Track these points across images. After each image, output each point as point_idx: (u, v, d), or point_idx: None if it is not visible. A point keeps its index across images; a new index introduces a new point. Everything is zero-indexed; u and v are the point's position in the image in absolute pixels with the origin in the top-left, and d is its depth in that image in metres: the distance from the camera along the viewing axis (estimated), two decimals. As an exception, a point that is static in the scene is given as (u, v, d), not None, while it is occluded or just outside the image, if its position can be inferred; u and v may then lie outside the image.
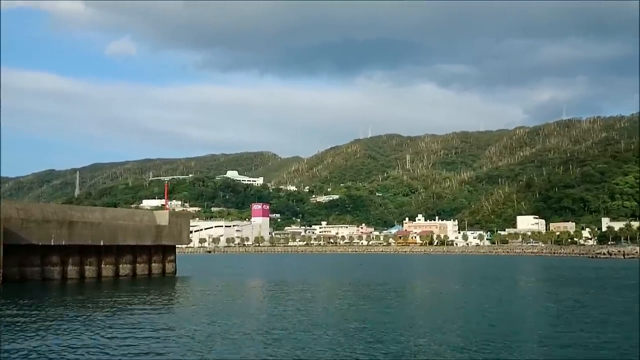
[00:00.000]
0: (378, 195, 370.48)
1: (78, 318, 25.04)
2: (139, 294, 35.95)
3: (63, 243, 43.68)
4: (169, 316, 26.53)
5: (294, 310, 27.49)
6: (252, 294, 37.58)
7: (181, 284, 46.77)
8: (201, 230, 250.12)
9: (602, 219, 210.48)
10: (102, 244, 46.59)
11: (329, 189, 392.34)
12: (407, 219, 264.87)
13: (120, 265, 49.34)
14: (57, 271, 43.89)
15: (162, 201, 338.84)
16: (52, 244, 42.81)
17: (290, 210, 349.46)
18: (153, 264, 53.19)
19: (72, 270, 44.85)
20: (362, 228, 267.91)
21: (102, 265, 47.55)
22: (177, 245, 57.92)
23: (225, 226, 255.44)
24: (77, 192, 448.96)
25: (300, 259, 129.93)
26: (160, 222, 54.20)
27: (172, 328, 22.57)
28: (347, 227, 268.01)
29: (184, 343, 19.35)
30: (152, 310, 28.27)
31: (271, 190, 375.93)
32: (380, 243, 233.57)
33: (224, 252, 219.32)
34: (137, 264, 51.28)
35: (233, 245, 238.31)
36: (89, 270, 46.31)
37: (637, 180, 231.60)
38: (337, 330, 21.74)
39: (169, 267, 55.52)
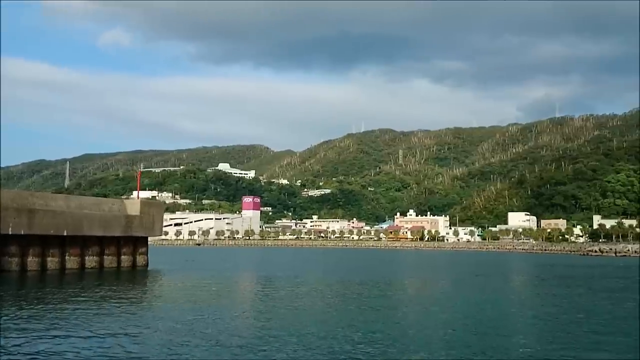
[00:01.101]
0: (370, 190, 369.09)
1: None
2: (93, 289, 33.39)
3: (22, 232, 41.02)
4: (113, 313, 24.16)
5: (255, 313, 24.95)
6: (222, 291, 34.72)
7: (148, 278, 43.86)
8: (191, 222, 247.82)
9: (594, 216, 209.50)
10: (65, 234, 43.90)
11: (321, 183, 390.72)
12: (398, 214, 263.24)
13: (86, 257, 46.57)
14: (15, 262, 41.24)
15: (154, 193, 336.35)
16: (10, 233, 40.20)
17: (281, 203, 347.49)
18: (122, 256, 50.39)
19: (32, 261, 42.21)
20: (353, 222, 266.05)
21: (66, 257, 44.86)
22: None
23: (215, 219, 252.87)
24: (67, 182, 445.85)
25: (286, 253, 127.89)
26: (131, 211, 51.48)
27: (110, 329, 20.21)
28: (338, 222, 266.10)
29: (126, 347, 17.02)
30: (97, 307, 25.88)
31: (263, 184, 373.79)
32: (371, 238, 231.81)
33: (213, 245, 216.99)
34: (105, 256, 48.52)
35: (223, 238, 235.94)
36: (52, 262, 43.65)
37: (629, 179, 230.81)
38: (298, 340, 19.36)
39: (140, 259, 52.74)
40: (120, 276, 43.84)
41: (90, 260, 46.92)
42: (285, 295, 32.07)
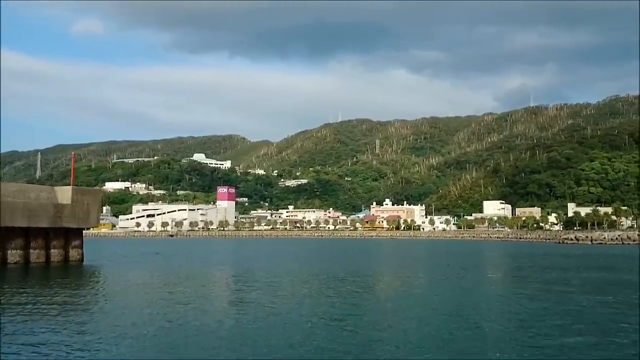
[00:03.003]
0: (347, 180, 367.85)
1: None
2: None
3: None
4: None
5: (185, 321, 19.82)
6: (164, 292, 29.67)
7: (75, 275, 38.52)
8: (164, 213, 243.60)
9: (568, 204, 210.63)
10: (-20, 225, 39.11)
11: (298, 173, 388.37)
12: (374, 203, 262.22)
13: (9, 252, 42.06)
14: None
15: (127, 184, 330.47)
16: None
17: (258, 194, 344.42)
18: (52, 250, 45.48)
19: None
20: (329, 212, 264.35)
21: (-16, 251, 40.25)
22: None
23: (189, 210, 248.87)
24: (38, 173, 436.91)
25: (258, 245, 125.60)
26: (62, 200, 46.29)
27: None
28: (314, 212, 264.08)
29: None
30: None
31: (239, 174, 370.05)
32: (347, 228, 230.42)
33: (187, 236, 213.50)
34: (31, 250, 43.80)
35: (197, 229, 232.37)
36: (-35, 256, 39.17)
37: (603, 167, 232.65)
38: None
39: (73, 253, 47.64)
40: (48, 273, 39.15)
41: (14, 255, 42.37)
42: (230, 298, 26.69)
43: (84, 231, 50.90)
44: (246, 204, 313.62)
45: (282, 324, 18.73)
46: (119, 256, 66.50)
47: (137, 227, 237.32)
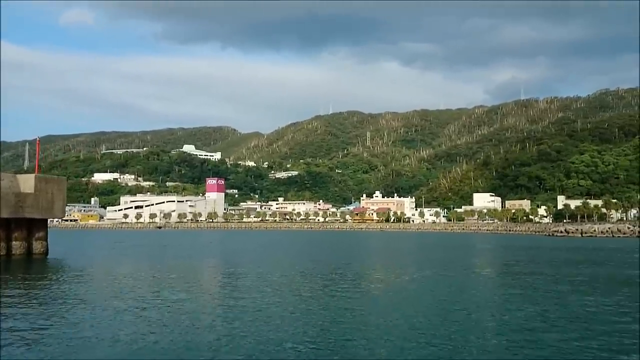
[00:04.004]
0: (338, 172, 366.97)
1: None
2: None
3: None
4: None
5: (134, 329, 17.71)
6: (129, 287, 26.26)
7: (37, 270, 36.01)
8: (152, 205, 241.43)
9: (558, 197, 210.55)
10: None
11: (288, 165, 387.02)
12: (364, 195, 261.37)
13: None
14: None
15: (116, 175, 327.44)
16: None
17: (248, 186, 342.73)
18: (13, 242, 43.02)
19: None
20: (319, 204, 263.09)
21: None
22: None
23: (178, 201, 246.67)
24: (26, 164, 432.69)
25: (245, 236, 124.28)
26: (24, 189, 43.87)
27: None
28: (304, 204, 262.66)
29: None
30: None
31: (229, 166, 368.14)
32: (337, 220, 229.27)
33: (175, 228, 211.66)
34: None
35: (185, 221, 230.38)
36: None
37: (593, 159, 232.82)
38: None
39: (37, 246, 45.01)
40: (9, 266, 36.71)
41: (-29, 247, 39.86)
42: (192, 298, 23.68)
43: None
44: (236, 195, 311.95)
45: (255, 326, 17.46)
46: (94, 249, 64.49)
47: (125, 218, 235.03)
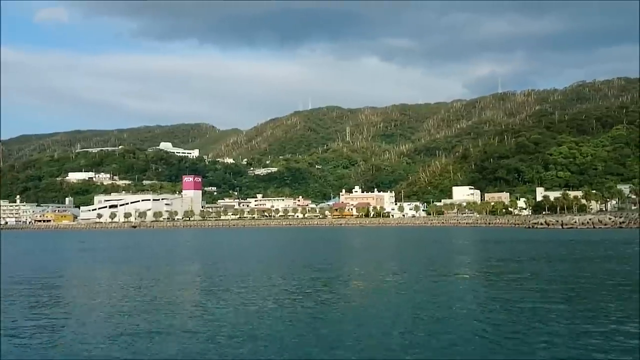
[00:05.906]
0: (318, 168, 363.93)
1: None
2: None
3: None
4: None
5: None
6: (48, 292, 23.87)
7: None
8: (127, 204, 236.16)
9: (537, 189, 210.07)
10: None
11: (267, 162, 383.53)
12: (344, 191, 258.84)
13: None
14: None
15: (91, 174, 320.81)
16: None
17: (227, 183, 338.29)
18: None
19: None
20: (298, 201, 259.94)
21: None
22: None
23: (154, 200, 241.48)
24: (0, 164, 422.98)
25: (217, 234, 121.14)
26: None
27: None
28: (283, 200, 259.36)
29: None
30: None
31: (207, 163, 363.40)
32: (317, 216, 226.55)
33: (150, 227, 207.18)
34: None
35: (161, 219, 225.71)
36: None
37: (571, 151, 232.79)
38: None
39: None
40: None
41: None
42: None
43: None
44: (215, 193, 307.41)
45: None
46: (40, 253, 60.96)
47: (99, 218, 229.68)
